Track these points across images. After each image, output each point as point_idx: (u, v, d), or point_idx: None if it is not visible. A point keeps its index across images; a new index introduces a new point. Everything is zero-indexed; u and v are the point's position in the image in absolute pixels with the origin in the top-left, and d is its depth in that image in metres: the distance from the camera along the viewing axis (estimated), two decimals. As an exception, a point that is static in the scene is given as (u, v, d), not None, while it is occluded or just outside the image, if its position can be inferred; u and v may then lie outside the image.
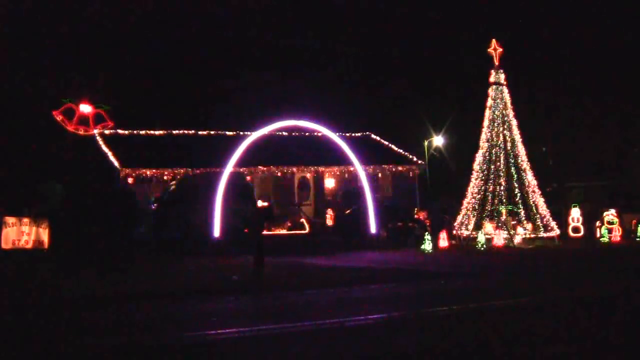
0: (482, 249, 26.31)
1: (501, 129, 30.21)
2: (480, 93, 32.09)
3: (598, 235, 30.03)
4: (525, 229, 29.19)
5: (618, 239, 29.28)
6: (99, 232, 22.52)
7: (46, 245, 20.42)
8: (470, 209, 29.93)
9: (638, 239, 29.35)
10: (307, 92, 46.24)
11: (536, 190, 29.87)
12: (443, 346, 9.25)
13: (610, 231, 29.73)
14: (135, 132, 35.32)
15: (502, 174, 29.68)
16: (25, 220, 20.20)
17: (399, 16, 57.27)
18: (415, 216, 31.67)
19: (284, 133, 35.29)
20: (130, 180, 30.52)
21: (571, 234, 31.22)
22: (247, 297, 14.92)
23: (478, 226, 29.29)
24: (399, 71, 52.95)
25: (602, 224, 30.34)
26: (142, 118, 39.03)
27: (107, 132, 33.78)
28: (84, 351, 9.33)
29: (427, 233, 27.26)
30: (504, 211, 29.24)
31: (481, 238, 26.88)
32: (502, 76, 30.64)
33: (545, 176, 35.57)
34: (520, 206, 29.34)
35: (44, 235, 20.38)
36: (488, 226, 28.95)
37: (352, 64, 53.78)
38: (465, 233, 29.55)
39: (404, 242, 28.41)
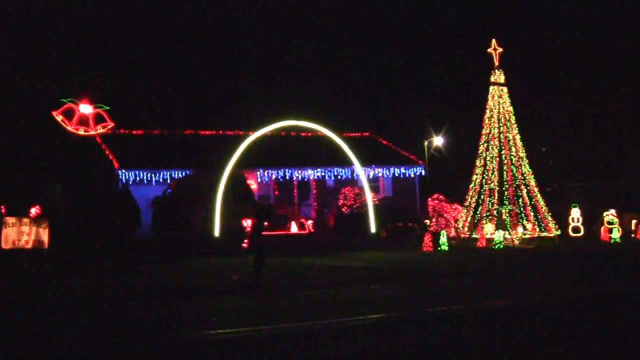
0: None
1: (501, 129, 30.19)
2: (481, 93, 32.05)
3: (602, 235, 29.98)
4: (525, 228, 29.14)
5: (618, 239, 29.22)
6: (99, 231, 22.54)
7: (46, 245, 20.40)
8: (470, 209, 29.89)
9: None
10: (308, 93, 46.20)
11: (536, 190, 29.82)
12: (442, 346, 9.25)
13: (610, 231, 29.68)
14: (135, 132, 35.28)
15: (502, 174, 29.64)
16: (25, 220, 20.18)
17: (400, 16, 57.28)
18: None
19: (284, 133, 35.26)
20: (129, 180, 30.47)
21: (571, 234, 31.20)
22: (247, 297, 14.92)
23: (475, 225, 29.27)
24: (399, 72, 52.92)
25: (602, 224, 30.29)
26: (142, 118, 38.98)
27: (107, 132, 33.70)
28: (84, 350, 9.33)
29: (425, 233, 27.26)
30: (504, 211, 29.19)
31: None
32: (502, 76, 30.62)
33: (545, 176, 35.49)
34: (521, 206, 29.31)
35: (44, 235, 20.35)
36: (488, 226, 28.90)
37: (353, 64, 53.76)
38: (467, 233, 29.52)
39: (404, 242, 28.38)
